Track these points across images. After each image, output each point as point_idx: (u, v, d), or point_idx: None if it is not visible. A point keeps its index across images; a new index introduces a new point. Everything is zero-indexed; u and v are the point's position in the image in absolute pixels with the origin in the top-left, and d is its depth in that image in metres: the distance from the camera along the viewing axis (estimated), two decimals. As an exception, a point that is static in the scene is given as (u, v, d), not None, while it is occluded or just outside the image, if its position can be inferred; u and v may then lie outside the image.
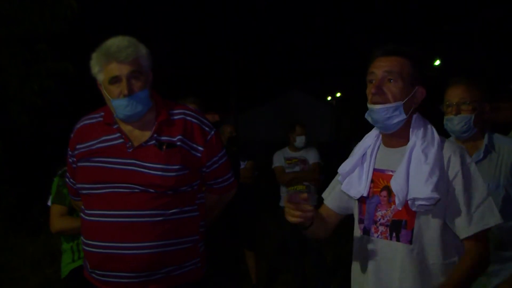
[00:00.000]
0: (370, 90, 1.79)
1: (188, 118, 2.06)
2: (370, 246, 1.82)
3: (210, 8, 22.97)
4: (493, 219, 1.70)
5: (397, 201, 1.73)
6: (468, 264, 1.68)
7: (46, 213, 2.96)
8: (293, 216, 1.66)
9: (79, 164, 2.04)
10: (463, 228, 1.69)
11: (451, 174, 1.71)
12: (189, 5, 22.47)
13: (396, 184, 1.74)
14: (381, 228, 1.79)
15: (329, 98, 37.83)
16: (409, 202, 1.71)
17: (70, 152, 2.12)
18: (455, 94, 2.41)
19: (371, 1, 23.92)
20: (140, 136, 2.01)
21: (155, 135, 1.99)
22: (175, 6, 21.64)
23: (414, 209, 1.71)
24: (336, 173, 2.03)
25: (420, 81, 1.80)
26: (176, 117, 2.05)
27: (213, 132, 2.10)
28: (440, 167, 1.71)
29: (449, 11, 19.76)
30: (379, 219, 1.80)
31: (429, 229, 1.71)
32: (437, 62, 23.04)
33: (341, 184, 1.95)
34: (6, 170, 7.23)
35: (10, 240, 6.32)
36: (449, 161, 1.72)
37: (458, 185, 1.70)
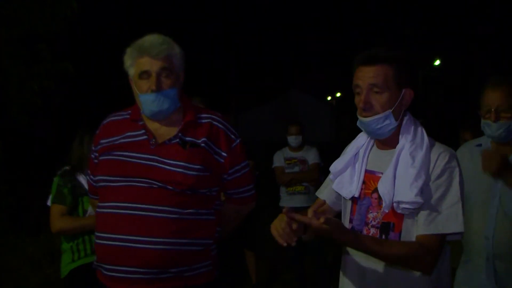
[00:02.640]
0: (358, 102, 1.78)
1: (215, 123, 2.05)
2: None
3: (210, 7, 22.99)
4: (455, 226, 1.65)
5: (383, 204, 1.74)
6: (411, 250, 1.64)
7: (46, 213, 2.96)
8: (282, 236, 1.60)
9: (101, 158, 2.02)
10: (424, 225, 1.67)
11: (433, 175, 1.70)
12: (189, 5, 22.48)
13: (382, 187, 1.74)
14: (372, 230, 1.79)
15: (329, 98, 37.88)
16: (394, 204, 1.71)
17: (93, 148, 2.12)
18: (494, 98, 2.29)
19: (372, 1, 23.92)
20: (165, 134, 2.00)
21: (180, 134, 1.98)
22: (175, 6, 21.65)
23: (399, 211, 1.71)
24: None
25: (407, 83, 1.78)
26: (203, 121, 2.04)
27: (238, 141, 2.09)
28: (427, 170, 1.70)
29: (449, 11, 19.77)
30: (371, 221, 1.80)
31: (415, 232, 1.70)
32: (437, 62, 23.05)
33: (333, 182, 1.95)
34: (6, 170, 7.23)
35: (10, 240, 6.32)
36: (435, 163, 1.71)
37: (435, 185, 1.69)
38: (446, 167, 1.70)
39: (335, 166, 1.94)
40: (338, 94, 35.94)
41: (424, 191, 1.67)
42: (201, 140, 1.98)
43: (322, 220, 1.50)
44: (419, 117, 1.90)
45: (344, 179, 1.89)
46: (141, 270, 1.87)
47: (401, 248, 1.66)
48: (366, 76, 1.74)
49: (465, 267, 2.43)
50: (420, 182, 1.66)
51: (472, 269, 2.37)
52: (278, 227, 1.61)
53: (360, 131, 1.93)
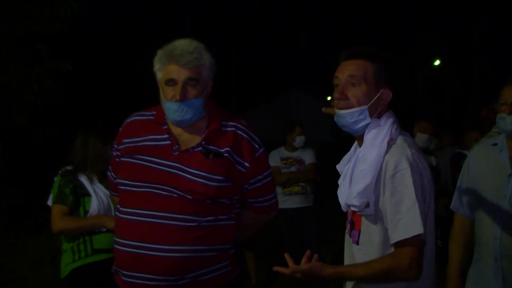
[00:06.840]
0: (334, 95, 1.79)
1: (239, 132, 2.04)
2: (345, 240, 1.91)
3: (210, 8, 22.99)
4: (415, 229, 1.61)
5: (341, 203, 1.81)
6: (386, 264, 1.64)
7: (46, 213, 2.96)
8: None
9: (123, 159, 2.02)
10: (391, 233, 1.66)
11: (386, 181, 1.67)
12: (189, 5, 22.47)
13: (339, 187, 1.81)
14: (348, 225, 1.86)
15: (329, 98, 37.87)
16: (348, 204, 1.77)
17: (115, 146, 2.11)
18: (510, 93, 2.31)
19: (370, 1, 23.94)
20: (188, 141, 1.99)
21: (203, 143, 1.97)
22: (175, 7, 21.66)
23: (354, 211, 1.76)
24: (336, 173, 2.05)
25: (386, 83, 1.77)
26: (227, 129, 2.03)
27: (261, 150, 2.09)
28: (375, 172, 1.68)
29: (449, 11, 19.76)
30: (348, 216, 1.87)
31: (373, 232, 1.71)
32: (437, 62, 23.03)
33: None
34: (6, 170, 7.23)
35: (10, 240, 6.32)
36: (386, 165, 1.68)
37: (388, 190, 1.66)
38: (396, 171, 1.65)
39: (341, 163, 1.99)
40: (338, 94, 35.95)
41: (367, 193, 1.67)
42: (224, 150, 1.97)
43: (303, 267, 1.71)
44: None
45: (343, 174, 1.96)
46: (160, 277, 1.88)
47: (378, 265, 1.65)
48: (346, 68, 1.76)
49: (476, 266, 2.44)
50: (361, 185, 1.67)
51: (482, 268, 2.37)
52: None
53: None
